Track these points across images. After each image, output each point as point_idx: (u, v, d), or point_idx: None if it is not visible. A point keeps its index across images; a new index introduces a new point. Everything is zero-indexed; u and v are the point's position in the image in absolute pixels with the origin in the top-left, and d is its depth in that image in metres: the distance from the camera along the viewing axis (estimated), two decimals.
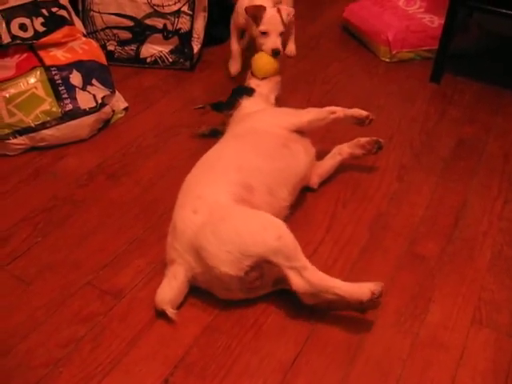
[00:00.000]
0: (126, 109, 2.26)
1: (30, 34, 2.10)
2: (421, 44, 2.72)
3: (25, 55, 2.07)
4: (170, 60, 2.55)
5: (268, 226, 1.42)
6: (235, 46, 2.46)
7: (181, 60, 2.55)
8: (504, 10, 2.32)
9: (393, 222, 1.78)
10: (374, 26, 2.77)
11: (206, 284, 1.48)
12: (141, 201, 1.83)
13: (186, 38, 2.51)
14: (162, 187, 1.88)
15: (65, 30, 2.16)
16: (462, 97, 2.47)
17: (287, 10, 2.18)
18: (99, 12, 2.48)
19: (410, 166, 2.02)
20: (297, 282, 1.38)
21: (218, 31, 2.76)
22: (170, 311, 1.43)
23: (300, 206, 1.79)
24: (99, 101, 2.10)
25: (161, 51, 2.54)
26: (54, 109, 2.02)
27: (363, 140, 1.93)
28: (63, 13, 2.21)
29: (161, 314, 1.44)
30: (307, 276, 1.38)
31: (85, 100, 2.08)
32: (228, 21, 2.57)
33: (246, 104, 1.95)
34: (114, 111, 2.19)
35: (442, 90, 2.52)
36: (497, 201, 1.88)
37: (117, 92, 2.23)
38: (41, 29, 2.12)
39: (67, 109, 2.04)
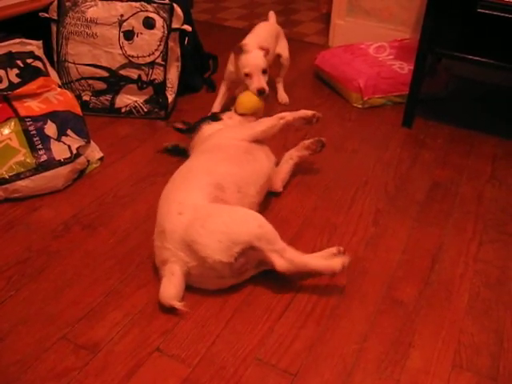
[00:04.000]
0: (101, 158, 2.25)
1: (4, 85, 2.11)
2: (391, 90, 2.77)
3: None
4: (145, 110, 2.57)
5: (249, 217, 1.63)
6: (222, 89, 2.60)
7: (156, 109, 2.57)
8: (470, 56, 2.39)
9: (370, 266, 1.78)
10: (346, 73, 2.83)
11: (199, 277, 1.61)
12: (117, 251, 1.81)
13: (160, 88, 2.53)
14: (139, 237, 1.86)
15: (40, 80, 2.17)
16: (434, 140, 2.51)
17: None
18: (74, 63, 2.50)
19: (386, 210, 2.04)
20: (279, 263, 1.58)
21: (192, 80, 2.80)
22: (179, 304, 1.54)
23: None
24: (74, 151, 2.09)
25: (136, 101, 2.55)
26: (28, 160, 2.01)
27: (307, 142, 2.17)
28: (38, 64, 2.23)
29: (138, 366, 1.42)
30: (288, 256, 1.59)
31: (59, 151, 2.07)
32: (201, 70, 2.91)
33: (207, 127, 2.13)
34: (88, 161, 2.18)
35: (414, 133, 2.56)
36: (472, 243, 1.90)
37: (92, 142, 2.22)
38: (16, 80, 2.13)
39: (42, 160, 2.02)
